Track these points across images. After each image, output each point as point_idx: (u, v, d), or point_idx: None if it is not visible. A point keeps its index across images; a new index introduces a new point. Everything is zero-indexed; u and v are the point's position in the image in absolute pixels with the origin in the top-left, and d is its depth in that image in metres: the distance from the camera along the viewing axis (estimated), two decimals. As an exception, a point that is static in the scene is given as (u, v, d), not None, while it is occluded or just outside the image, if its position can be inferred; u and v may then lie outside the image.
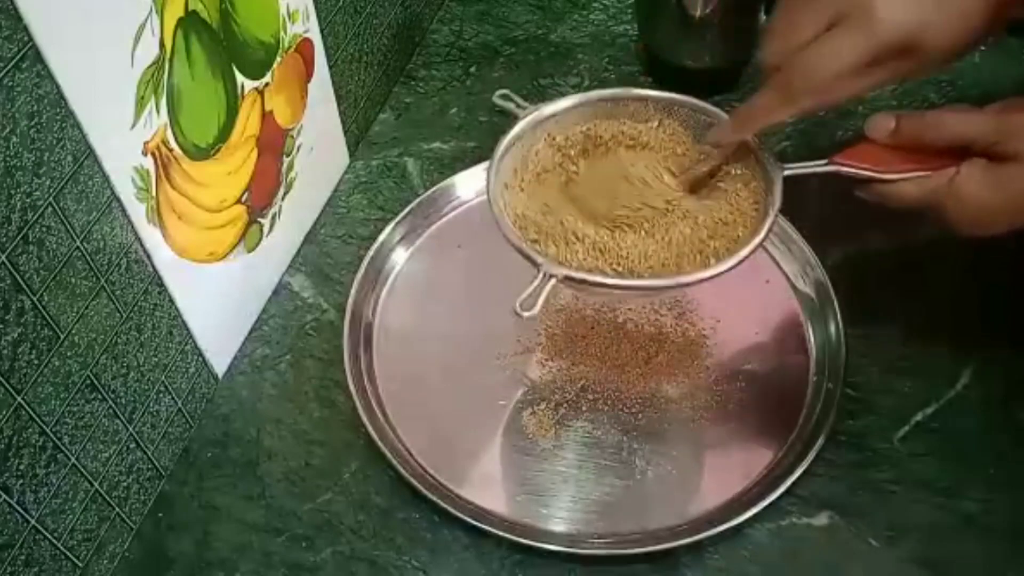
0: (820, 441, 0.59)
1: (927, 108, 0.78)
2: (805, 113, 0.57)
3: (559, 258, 0.55)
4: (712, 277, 0.53)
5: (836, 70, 0.53)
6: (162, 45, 0.52)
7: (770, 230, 0.55)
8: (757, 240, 0.54)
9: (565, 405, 0.63)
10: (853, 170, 0.56)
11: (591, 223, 0.57)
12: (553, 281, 0.52)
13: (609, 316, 0.66)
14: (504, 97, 0.61)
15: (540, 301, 0.50)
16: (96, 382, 0.52)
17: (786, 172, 0.57)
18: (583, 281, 0.53)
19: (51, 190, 0.46)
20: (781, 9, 0.56)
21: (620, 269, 0.55)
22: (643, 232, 0.56)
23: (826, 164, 0.57)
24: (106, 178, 0.50)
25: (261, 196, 0.66)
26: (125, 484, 0.57)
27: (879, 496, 0.58)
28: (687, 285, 0.54)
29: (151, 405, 0.58)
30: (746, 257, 0.53)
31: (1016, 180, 0.51)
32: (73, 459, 0.52)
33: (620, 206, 0.58)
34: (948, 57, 0.55)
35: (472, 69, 0.86)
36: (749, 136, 0.58)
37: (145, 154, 0.53)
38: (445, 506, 0.58)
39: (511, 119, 0.60)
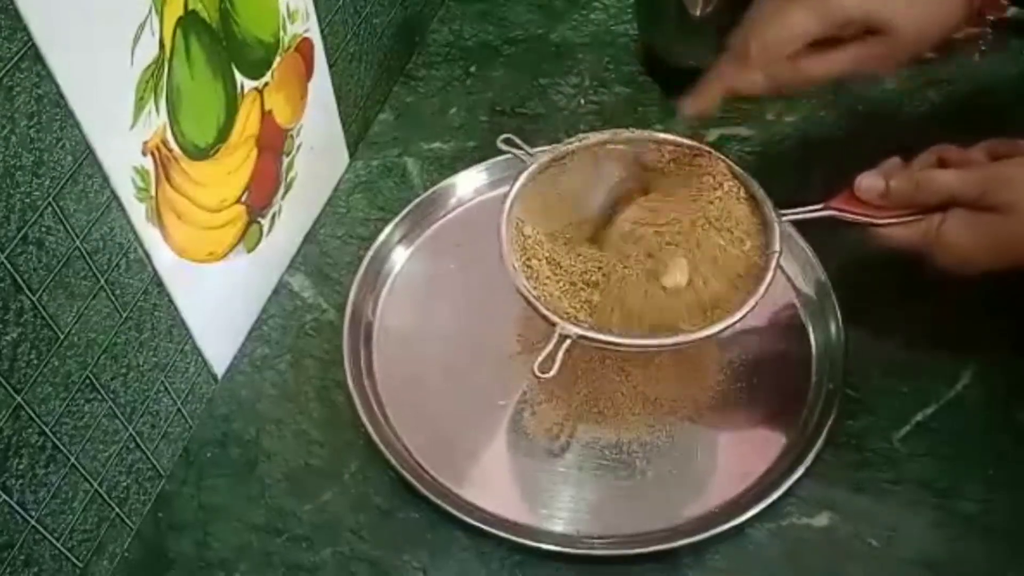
0: (820, 441, 0.59)
1: (927, 109, 0.78)
2: (768, 89, 0.58)
3: (566, 310, 0.56)
4: (723, 330, 0.55)
5: (787, 39, 0.55)
6: (162, 45, 0.52)
7: (773, 278, 0.56)
8: (763, 287, 0.55)
9: (565, 405, 0.63)
10: (849, 215, 0.58)
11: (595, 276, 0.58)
12: (568, 342, 0.53)
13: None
14: (508, 142, 0.62)
15: (557, 363, 0.52)
16: (96, 382, 0.52)
17: (785, 218, 0.59)
18: (597, 340, 0.54)
19: (51, 190, 0.46)
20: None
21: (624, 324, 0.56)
22: (644, 291, 0.58)
23: (822, 209, 0.59)
24: (106, 178, 0.50)
25: (261, 196, 0.66)
26: (125, 484, 0.57)
27: (879, 496, 0.58)
28: (700, 340, 0.55)
29: (151, 405, 0.58)
30: (753, 307, 0.55)
31: (996, 228, 0.54)
32: (73, 459, 0.52)
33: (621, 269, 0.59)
34: (917, 46, 0.57)
35: (472, 69, 0.86)
36: (708, 105, 0.60)
37: (145, 154, 0.53)
38: (445, 506, 0.58)
39: (518, 160, 0.61)
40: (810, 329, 0.66)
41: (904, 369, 0.63)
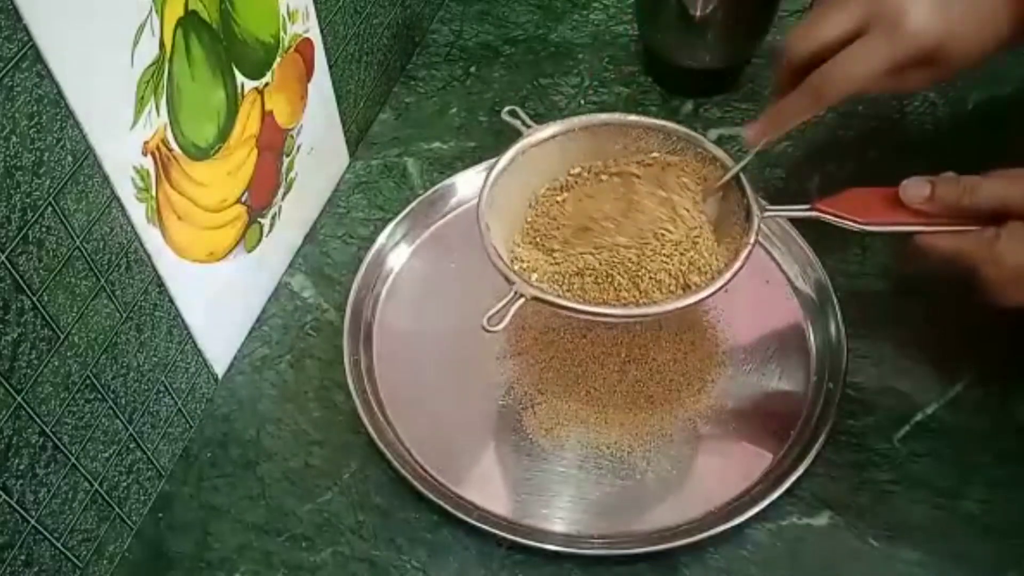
0: (820, 441, 0.59)
1: (927, 109, 0.78)
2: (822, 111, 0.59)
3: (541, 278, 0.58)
4: (673, 311, 0.55)
5: (864, 77, 0.55)
6: (162, 45, 0.52)
7: (742, 266, 0.56)
8: (728, 276, 0.56)
9: (565, 405, 0.63)
10: (834, 218, 0.58)
11: (579, 247, 0.60)
12: (522, 300, 0.54)
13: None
14: (512, 113, 0.63)
15: (507, 318, 0.53)
16: (96, 382, 0.52)
17: (766, 214, 0.59)
18: (552, 304, 0.55)
19: (51, 190, 0.46)
20: (813, 7, 0.57)
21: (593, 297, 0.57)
22: (620, 267, 0.58)
23: (808, 210, 0.59)
24: (106, 178, 0.50)
25: (261, 196, 0.66)
26: (125, 484, 0.57)
27: (879, 496, 0.58)
28: (653, 316, 0.56)
29: (151, 405, 0.58)
30: (715, 292, 0.56)
31: None
32: (73, 459, 0.52)
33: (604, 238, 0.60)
34: (974, 63, 0.57)
35: (472, 69, 0.86)
36: (780, 133, 0.60)
37: (145, 154, 0.53)
38: (445, 506, 0.58)
39: (515, 133, 0.62)
40: (810, 329, 0.66)
41: (904, 369, 0.63)
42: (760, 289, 0.68)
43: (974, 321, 0.65)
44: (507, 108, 0.63)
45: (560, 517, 0.58)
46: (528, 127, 0.62)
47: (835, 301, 0.65)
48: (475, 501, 0.59)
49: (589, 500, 0.59)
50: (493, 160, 0.61)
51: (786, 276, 0.68)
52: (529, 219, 0.62)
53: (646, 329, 0.65)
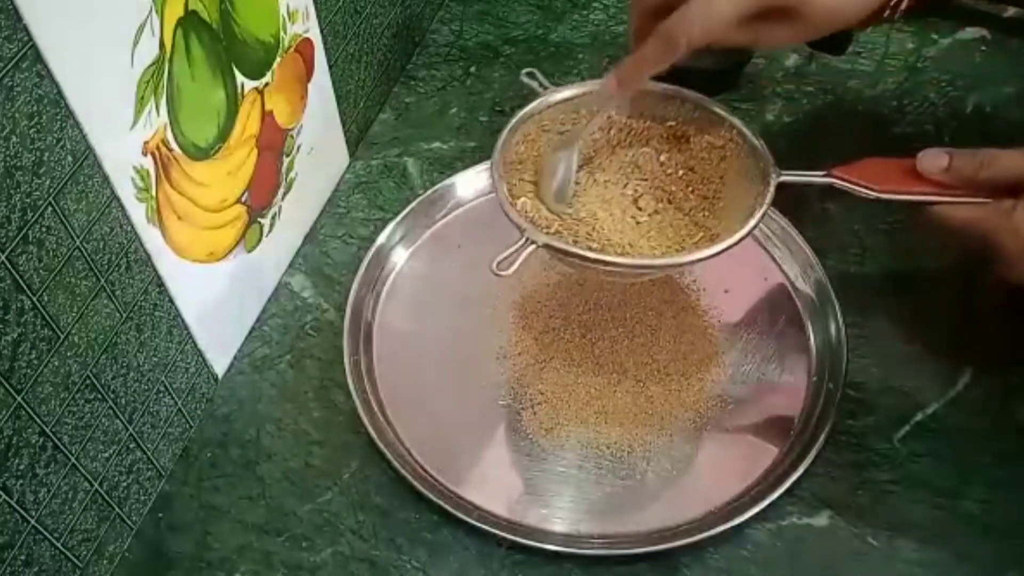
0: (820, 441, 0.59)
1: (927, 109, 0.78)
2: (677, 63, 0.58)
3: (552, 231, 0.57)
4: (686, 264, 0.56)
5: (712, 23, 0.54)
6: (162, 45, 0.52)
7: (753, 228, 0.56)
8: (738, 236, 0.55)
9: (565, 405, 0.63)
10: (850, 185, 0.57)
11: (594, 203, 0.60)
12: (533, 247, 0.54)
13: (609, 315, 0.66)
14: (530, 75, 0.64)
15: (517, 263, 0.53)
16: (96, 382, 0.52)
17: (783, 179, 0.58)
18: (561, 251, 0.55)
19: (51, 190, 0.46)
20: None
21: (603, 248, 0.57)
22: (635, 223, 0.59)
23: (825, 176, 0.58)
24: (106, 178, 0.50)
25: (261, 196, 0.66)
26: (125, 484, 0.57)
27: (879, 496, 0.58)
28: (661, 268, 0.57)
29: (151, 405, 0.58)
30: (724, 249, 0.55)
31: None
32: (73, 459, 0.52)
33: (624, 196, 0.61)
34: (838, 26, 0.57)
35: (472, 69, 0.86)
36: (636, 88, 0.60)
37: (145, 154, 0.53)
38: (445, 506, 0.58)
39: (532, 96, 0.63)
40: (810, 329, 0.66)
41: (904, 369, 0.63)
42: (760, 289, 0.68)
43: (974, 321, 0.65)
44: (525, 70, 0.63)
45: (560, 517, 0.58)
46: (545, 88, 0.63)
47: (835, 301, 0.65)
48: (475, 501, 0.59)
49: (589, 500, 0.59)
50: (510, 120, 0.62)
51: (786, 276, 0.68)
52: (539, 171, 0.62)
53: (646, 328, 0.65)
